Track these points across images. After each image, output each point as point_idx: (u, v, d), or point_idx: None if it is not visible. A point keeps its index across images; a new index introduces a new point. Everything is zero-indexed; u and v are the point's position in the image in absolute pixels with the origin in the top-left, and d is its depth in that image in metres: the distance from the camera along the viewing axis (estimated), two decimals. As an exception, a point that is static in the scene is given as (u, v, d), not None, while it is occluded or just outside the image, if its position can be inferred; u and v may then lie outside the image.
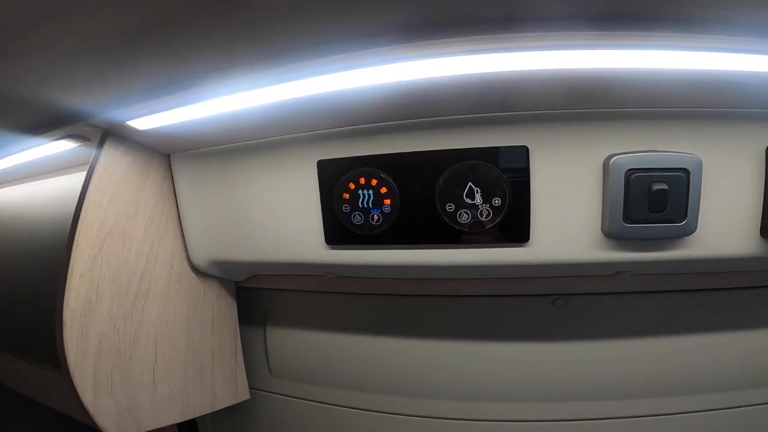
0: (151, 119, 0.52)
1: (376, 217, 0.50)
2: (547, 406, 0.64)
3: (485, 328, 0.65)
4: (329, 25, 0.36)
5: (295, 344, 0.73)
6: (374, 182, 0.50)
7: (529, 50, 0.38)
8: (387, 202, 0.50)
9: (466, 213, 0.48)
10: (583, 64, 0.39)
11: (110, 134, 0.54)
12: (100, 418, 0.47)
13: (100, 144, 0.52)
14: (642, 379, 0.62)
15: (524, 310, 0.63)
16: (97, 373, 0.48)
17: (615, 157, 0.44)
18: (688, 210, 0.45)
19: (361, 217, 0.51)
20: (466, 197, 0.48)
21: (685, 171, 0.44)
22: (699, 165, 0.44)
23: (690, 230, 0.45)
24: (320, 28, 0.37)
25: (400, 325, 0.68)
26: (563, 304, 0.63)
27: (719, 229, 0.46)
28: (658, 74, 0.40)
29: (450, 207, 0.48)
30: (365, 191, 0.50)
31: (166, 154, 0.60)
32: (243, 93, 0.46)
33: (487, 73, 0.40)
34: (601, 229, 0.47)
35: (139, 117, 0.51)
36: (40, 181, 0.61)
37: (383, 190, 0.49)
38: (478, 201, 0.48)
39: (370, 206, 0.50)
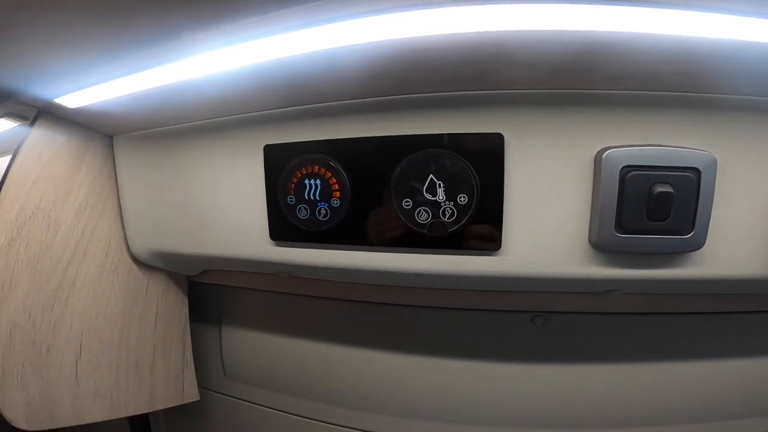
0: (84, 94, 0.46)
1: (323, 211, 0.44)
2: (522, 435, 0.56)
3: (455, 344, 0.57)
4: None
5: (252, 346, 0.67)
6: (322, 171, 0.43)
7: (506, 2, 0.30)
8: (336, 194, 0.43)
9: (425, 211, 0.41)
10: (574, 23, 0.31)
11: (44, 113, 0.49)
12: (8, 410, 0.43)
13: (32, 123, 0.48)
14: (629, 408, 0.54)
15: (499, 326, 0.56)
16: (6, 365, 0.43)
17: (609, 151, 0.36)
18: (697, 220, 0.36)
19: (306, 210, 0.44)
20: (427, 192, 0.41)
21: (695, 171, 0.36)
22: (713, 165, 0.36)
23: (698, 245, 0.37)
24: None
25: (364, 334, 0.61)
26: (543, 322, 0.55)
27: (733, 245, 0.38)
28: (667, 43, 0.32)
29: (407, 203, 0.41)
30: (312, 181, 0.43)
31: (108, 135, 0.55)
32: (190, 58, 0.40)
33: (454, 35, 0.32)
34: (589, 238, 0.39)
35: (70, 92, 0.46)
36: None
37: (332, 180, 0.43)
38: (441, 197, 0.40)
39: (317, 198, 0.43)
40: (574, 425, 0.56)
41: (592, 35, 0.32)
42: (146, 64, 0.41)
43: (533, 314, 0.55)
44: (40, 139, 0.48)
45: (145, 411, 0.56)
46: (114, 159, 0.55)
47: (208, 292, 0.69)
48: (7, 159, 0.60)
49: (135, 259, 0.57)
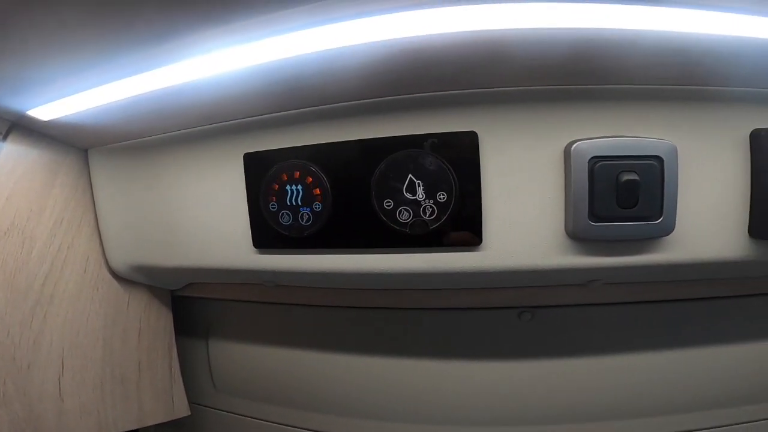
0: (58, 105, 0.46)
1: (305, 216, 0.44)
2: (514, 430, 0.57)
3: (443, 345, 0.58)
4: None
5: (241, 358, 0.66)
6: (303, 176, 0.43)
7: (476, 3, 0.31)
8: (317, 199, 0.43)
9: (406, 210, 0.42)
10: (544, 23, 0.32)
11: (16, 127, 0.48)
12: None
13: (4, 138, 0.47)
14: (619, 399, 0.56)
15: (486, 324, 0.57)
16: (-13, 382, 0.42)
17: (577, 143, 0.38)
18: (664, 205, 0.38)
19: (289, 216, 0.44)
20: (407, 192, 0.41)
21: (658, 159, 0.37)
22: (674, 152, 0.37)
23: (667, 230, 0.39)
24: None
25: (352, 340, 0.61)
26: (530, 317, 0.56)
27: (701, 229, 0.39)
28: (627, 40, 0.33)
29: (388, 203, 0.42)
30: (293, 187, 0.44)
31: (83, 149, 0.54)
32: (168, 66, 0.39)
33: (430, 38, 0.33)
34: (565, 228, 0.40)
35: (43, 104, 0.46)
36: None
37: (313, 185, 0.43)
38: (420, 196, 0.41)
39: (299, 203, 0.44)
40: (566, 419, 0.57)
41: (560, 34, 0.33)
42: (122, 73, 0.41)
43: (520, 310, 0.56)
44: (12, 154, 0.47)
45: (134, 427, 0.55)
46: (89, 173, 0.54)
47: (193, 307, 0.68)
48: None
49: (115, 275, 0.56)
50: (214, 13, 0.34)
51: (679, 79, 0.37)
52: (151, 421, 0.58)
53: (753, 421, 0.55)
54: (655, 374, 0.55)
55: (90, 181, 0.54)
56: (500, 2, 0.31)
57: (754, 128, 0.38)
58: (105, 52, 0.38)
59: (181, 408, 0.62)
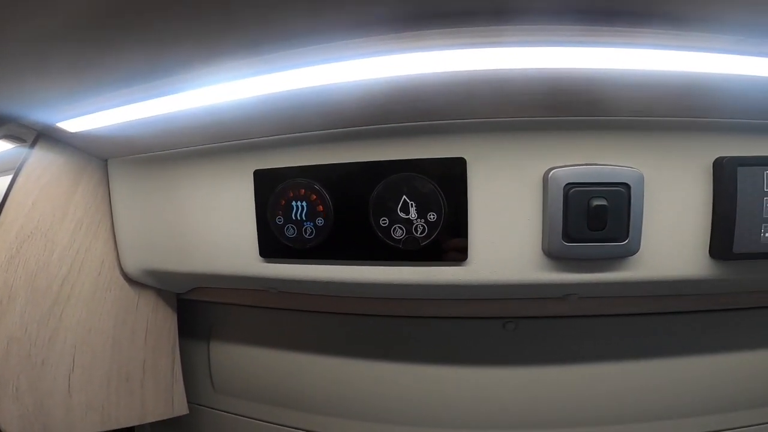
0: (83, 120, 0.50)
1: (308, 230, 0.48)
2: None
3: (434, 351, 0.62)
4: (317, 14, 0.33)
5: (241, 360, 0.69)
6: (308, 193, 0.47)
7: (473, 47, 0.35)
8: (320, 214, 0.47)
9: (400, 228, 0.46)
10: (525, 64, 0.36)
11: (43, 136, 0.52)
12: (2, 421, 0.45)
13: (32, 145, 0.51)
14: (598, 405, 0.59)
15: (474, 332, 0.61)
16: (2, 377, 0.45)
17: (554, 170, 0.42)
18: (630, 228, 0.42)
19: (294, 229, 0.48)
20: (401, 211, 0.46)
21: (626, 186, 0.42)
22: (640, 180, 0.42)
23: (633, 250, 0.43)
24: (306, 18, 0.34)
25: (348, 345, 0.65)
26: (514, 327, 0.60)
27: (665, 250, 0.44)
28: (606, 77, 0.37)
29: (384, 221, 0.46)
30: (299, 203, 0.48)
31: (103, 159, 0.58)
32: (189, 91, 0.44)
33: (424, 76, 0.38)
34: (542, 248, 0.45)
35: (70, 118, 0.50)
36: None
37: (317, 202, 0.47)
38: (413, 216, 0.45)
39: (303, 218, 0.48)
40: (547, 424, 0.60)
41: (540, 73, 0.37)
42: (148, 94, 0.45)
43: (504, 320, 0.60)
44: (39, 161, 0.51)
45: (135, 424, 0.58)
46: (108, 181, 0.58)
47: (197, 309, 0.71)
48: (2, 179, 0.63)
49: (126, 277, 0.59)
50: (228, 50, 0.38)
51: (646, 111, 0.41)
52: (151, 419, 0.61)
53: (724, 430, 0.59)
54: (631, 382, 0.59)
55: (108, 188, 0.57)
56: (485, 47, 0.36)
57: (717, 156, 0.41)
58: (129, 79, 0.43)
59: (180, 407, 0.65)
